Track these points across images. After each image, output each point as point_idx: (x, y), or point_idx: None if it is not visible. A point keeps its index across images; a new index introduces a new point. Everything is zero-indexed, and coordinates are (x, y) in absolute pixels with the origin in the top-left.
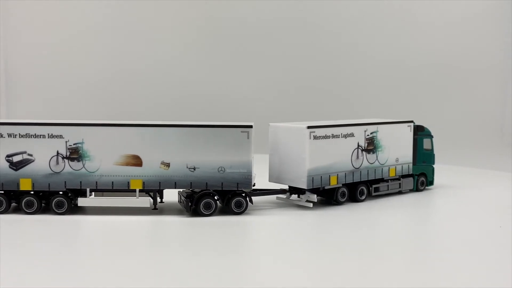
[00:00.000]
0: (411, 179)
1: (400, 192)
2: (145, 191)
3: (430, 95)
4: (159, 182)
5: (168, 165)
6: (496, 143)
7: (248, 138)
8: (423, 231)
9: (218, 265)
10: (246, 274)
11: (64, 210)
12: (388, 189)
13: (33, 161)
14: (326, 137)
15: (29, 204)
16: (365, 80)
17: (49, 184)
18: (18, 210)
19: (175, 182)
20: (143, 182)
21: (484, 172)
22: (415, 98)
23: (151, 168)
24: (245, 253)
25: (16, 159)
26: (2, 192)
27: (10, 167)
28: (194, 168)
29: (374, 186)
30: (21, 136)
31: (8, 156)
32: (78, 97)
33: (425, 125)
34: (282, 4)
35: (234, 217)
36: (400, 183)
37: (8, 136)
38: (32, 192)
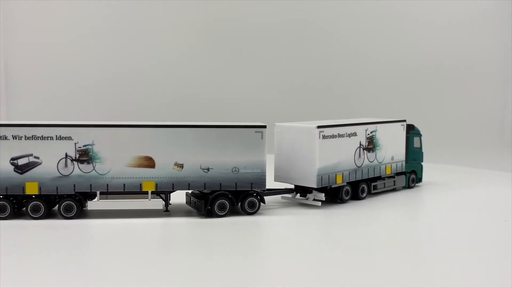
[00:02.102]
0: (403, 176)
1: (394, 189)
2: (157, 193)
3: (430, 95)
4: (172, 184)
5: (181, 166)
6: (496, 143)
7: (262, 138)
8: (429, 229)
9: (233, 266)
10: (260, 274)
11: (73, 214)
12: (384, 187)
13: (40, 164)
14: (333, 136)
15: (35, 209)
16: (366, 80)
17: (57, 187)
18: (17, 215)
19: (189, 183)
20: (156, 184)
21: (483, 172)
22: (415, 98)
23: (164, 169)
24: (259, 253)
25: (21, 162)
26: (2, 196)
27: (15, 170)
28: (208, 169)
29: (373, 184)
30: (27, 138)
31: (13, 159)
32: (79, 98)
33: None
34: (283, 5)
35: (244, 217)
36: (394, 181)
37: (13, 138)
38: (34, 196)
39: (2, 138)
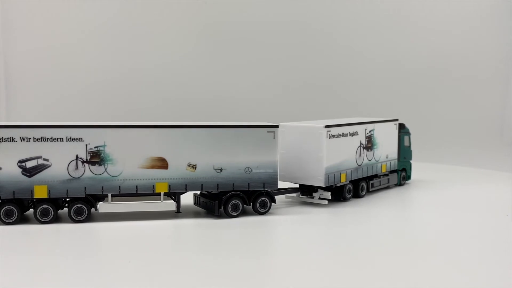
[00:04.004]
0: (395, 174)
1: (387, 187)
2: (169, 194)
3: (430, 95)
4: (186, 185)
5: (194, 167)
6: (496, 143)
7: (274, 138)
8: (434, 228)
9: (248, 266)
10: (274, 274)
11: (83, 218)
12: (380, 185)
13: (49, 166)
14: (338, 135)
15: (44, 213)
16: (366, 81)
17: (67, 190)
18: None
19: (202, 184)
20: (169, 185)
21: (483, 172)
22: (414, 98)
23: (177, 170)
24: (272, 254)
25: (29, 164)
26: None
27: (23, 173)
28: (221, 169)
29: (371, 182)
30: (35, 139)
31: (20, 161)
32: (80, 99)
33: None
34: (283, 6)
35: (253, 217)
36: (388, 179)
37: (21, 140)
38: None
39: (9, 140)
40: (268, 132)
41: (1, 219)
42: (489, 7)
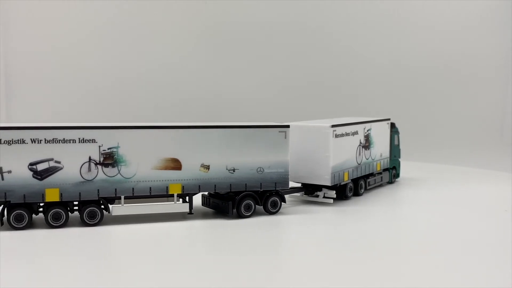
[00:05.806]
0: (387, 172)
1: (380, 185)
2: (183, 195)
3: (429, 95)
4: (199, 186)
5: (208, 167)
6: (496, 143)
7: (285, 138)
8: (440, 227)
9: (262, 266)
10: (287, 274)
11: (97, 221)
12: (375, 183)
13: (61, 168)
14: (342, 135)
15: (56, 217)
16: (367, 81)
17: (80, 193)
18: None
19: (215, 185)
20: (183, 186)
21: (483, 172)
22: (415, 97)
23: (190, 171)
24: (285, 253)
25: (41, 167)
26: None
27: (34, 176)
28: (234, 170)
29: (368, 180)
30: (47, 141)
31: (31, 164)
32: (79, 100)
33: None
34: (281, 6)
35: (260, 217)
36: (381, 177)
37: (32, 142)
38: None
39: (19, 142)
40: (279, 132)
41: (11, 224)
42: (489, 7)
